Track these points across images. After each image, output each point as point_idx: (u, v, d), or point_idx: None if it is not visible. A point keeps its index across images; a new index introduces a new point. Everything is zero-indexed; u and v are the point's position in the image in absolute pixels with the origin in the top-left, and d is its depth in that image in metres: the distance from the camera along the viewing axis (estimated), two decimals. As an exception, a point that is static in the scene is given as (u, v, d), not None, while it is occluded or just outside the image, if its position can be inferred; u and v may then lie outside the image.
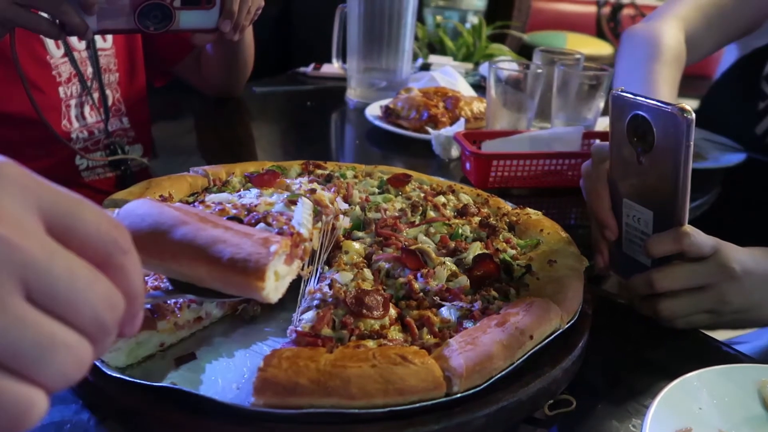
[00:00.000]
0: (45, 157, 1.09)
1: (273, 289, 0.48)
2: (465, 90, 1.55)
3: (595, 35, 4.06)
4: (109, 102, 1.17)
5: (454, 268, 0.65)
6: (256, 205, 0.58)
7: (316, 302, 0.58)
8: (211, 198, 0.58)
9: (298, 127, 1.51)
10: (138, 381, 0.50)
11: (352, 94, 1.58)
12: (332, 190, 0.69)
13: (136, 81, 1.26)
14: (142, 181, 0.78)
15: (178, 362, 0.55)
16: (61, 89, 1.09)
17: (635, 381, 0.63)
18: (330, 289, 0.59)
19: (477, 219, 0.77)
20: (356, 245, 0.68)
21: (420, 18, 2.58)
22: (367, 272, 0.64)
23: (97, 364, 0.51)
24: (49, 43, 1.07)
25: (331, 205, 0.60)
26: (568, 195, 1.09)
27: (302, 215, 0.57)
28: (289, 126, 1.54)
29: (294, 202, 0.59)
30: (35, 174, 0.30)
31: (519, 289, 0.63)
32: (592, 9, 4.20)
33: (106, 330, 0.31)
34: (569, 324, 0.59)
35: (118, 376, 0.50)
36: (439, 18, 3.43)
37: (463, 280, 0.62)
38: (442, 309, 0.59)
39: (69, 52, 1.08)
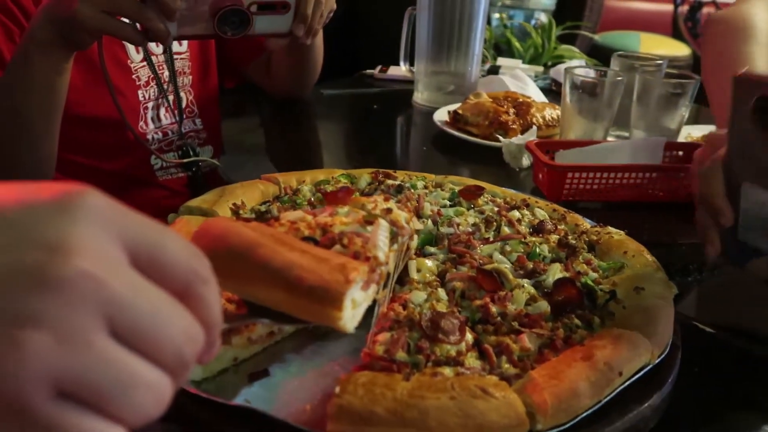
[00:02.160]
0: (123, 157, 1.12)
1: (350, 317, 0.46)
2: (536, 95, 1.50)
3: (671, 35, 3.87)
4: (183, 104, 1.20)
5: (532, 291, 0.62)
6: (331, 225, 0.56)
7: (389, 323, 0.56)
8: (286, 216, 0.57)
9: (364, 130, 1.50)
10: (214, 398, 0.50)
11: (419, 98, 1.56)
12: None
13: (208, 83, 1.28)
14: (215, 189, 0.79)
15: (251, 378, 0.55)
16: (140, 92, 1.12)
17: (731, 419, 0.58)
18: (404, 309, 0.58)
19: (555, 237, 0.73)
20: (429, 263, 0.67)
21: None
22: (441, 292, 0.62)
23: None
24: (130, 48, 1.10)
25: (407, 226, 0.58)
26: (644, 209, 1.03)
27: (379, 237, 0.55)
28: (355, 129, 1.54)
29: (370, 223, 0.57)
30: (119, 203, 0.30)
31: (604, 317, 0.59)
32: (668, 7, 4.00)
33: (186, 364, 0.30)
34: (660, 359, 0.55)
35: (196, 392, 0.50)
36: (504, 16, 3.36)
37: (543, 306, 0.59)
38: (522, 336, 0.56)
39: (148, 56, 1.11)
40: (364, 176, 0.87)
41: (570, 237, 0.74)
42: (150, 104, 1.15)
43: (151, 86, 1.14)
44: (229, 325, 0.53)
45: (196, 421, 0.50)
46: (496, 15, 3.42)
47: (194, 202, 0.74)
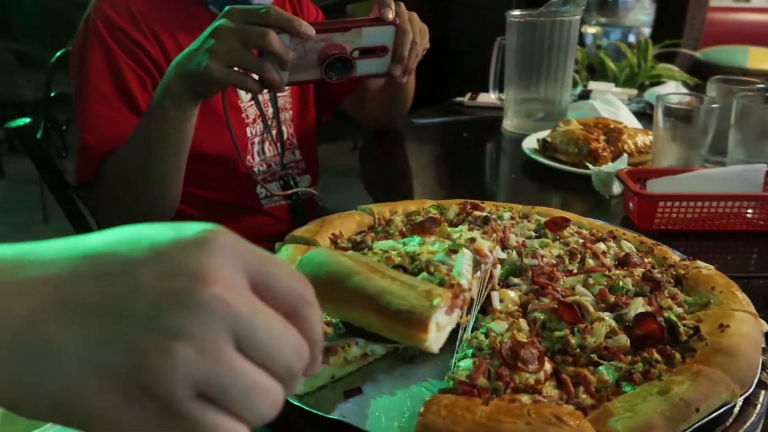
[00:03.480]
0: (233, 189, 1.24)
1: (435, 339, 0.51)
2: (628, 120, 1.48)
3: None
4: (285, 137, 1.31)
5: (613, 324, 0.64)
6: (419, 254, 0.62)
7: (472, 350, 0.61)
8: (378, 245, 0.63)
9: (454, 158, 1.55)
10: (314, 411, 0.56)
11: (509, 125, 1.59)
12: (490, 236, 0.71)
13: (307, 117, 1.39)
14: (316, 219, 0.87)
15: (346, 395, 0.61)
16: (248, 129, 1.24)
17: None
18: (486, 338, 0.62)
19: (640, 271, 0.74)
20: (512, 293, 0.70)
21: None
22: (523, 322, 0.65)
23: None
24: (241, 91, 1.22)
25: (490, 254, 0.63)
26: (741, 239, 1.00)
27: (462, 266, 0.60)
28: (445, 157, 1.59)
29: (455, 251, 0.63)
30: (242, 238, 0.36)
31: (685, 353, 0.60)
32: (780, 18, 3.75)
33: (295, 376, 0.36)
34: (742, 397, 0.56)
35: (298, 404, 0.57)
36: (599, 31, 3.28)
37: (623, 339, 0.61)
38: (600, 368, 0.59)
39: (255, 96, 1.23)
40: (453, 207, 0.92)
41: (656, 271, 0.75)
42: (256, 139, 1.26)
43: (258, 123, 1.26)
44: (328, 344, 0.60)
45: (298, 431, 0.57)
46: (592, 30, 3.35)
47: (298, 232, 0.83)
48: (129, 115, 1.08)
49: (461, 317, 0.60)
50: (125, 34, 1.08)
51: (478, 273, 0.63)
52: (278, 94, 1.28)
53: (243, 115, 1.23)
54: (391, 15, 0.94)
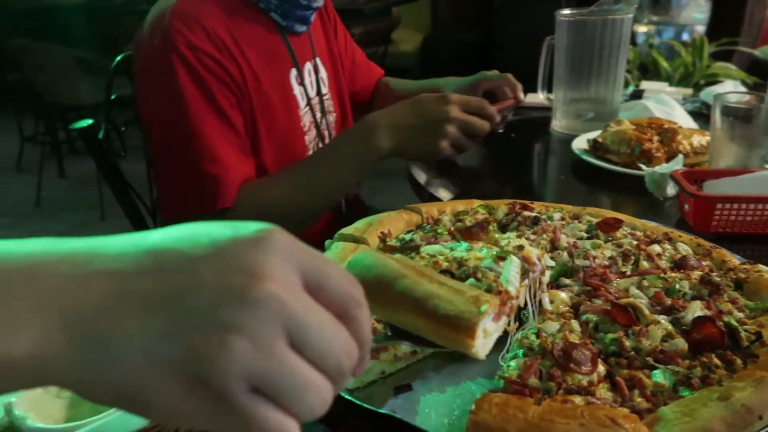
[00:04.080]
0: None
1: (481, 345, 0.51)
2: (683, 120, 1.44)
3: None
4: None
5: (669, 328, 0.62)
6: (466, 260, 0.61)
7: (522, 350, 0.60)
8: (426, 250, 0.63)
9: (502, 159, 1.54)
10: (365, 405, 0.57)
11: (557, 126, 1.57)
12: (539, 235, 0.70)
13: (346, 122, 1.41)
14: (365, 218, 0.88)
15: (396, 391, 0.62)
16: (306, 138, 1.26)
17: None
18: (537, 338, 0.61)
19: (697, 274, 0.72)
20: (562, 294, 0.69)
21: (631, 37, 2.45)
22: (575, 323, 0.65)
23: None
24: (299, 97, 1.24)
25: (538, 262, 0.62)
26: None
27: (510, 273, 0.59)
28: (493, 158, 1.57)
29: (503, 258, 0.62)
30: (295, 238, 0.37)
31: (746, 359, 0.58)
32: None
33: (344, 374, 0.37)
34: (808, 405, 0.54)
35: (349, 397, 0.58)
36: (652, 30, 3.19)
37: (680, 343, 0.60)
38: (656, 371, 0.57)
39: (309, 102, 1.25)
40: (502, 207, 0.92)
41: (714, 274, 0.73)
42: (311, 145, 1.28)
43: (311, 130, 1.27)
44: (376, 345, 0.60)
45: (348, 424, 0.58)
46: (643, 29, 3.26)
47: (347, 230, 0.84)
48: (236, 137, 1.10)
49: (508, 325, 0.59)
50: (208, 55, 1.07)
51: (526, 281, 0.62)
52: (323, 99, 1.31)
53: (301, 123, 1.25)
54: (521, 95, 1.28)
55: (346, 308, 0.37)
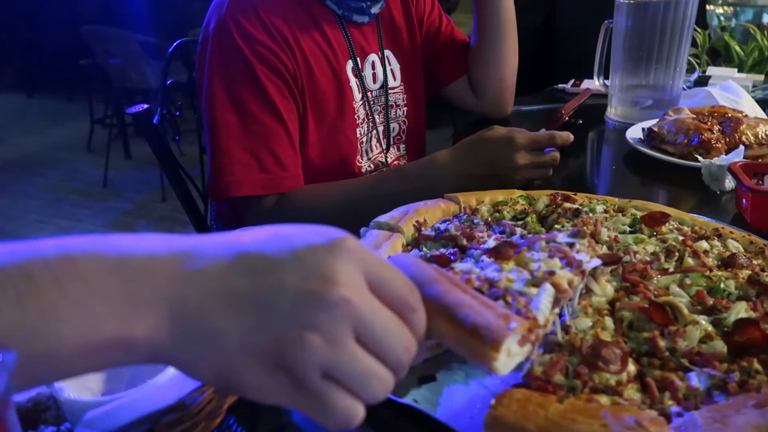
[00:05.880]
0: None
1: (503, 363, 0.48)
2: (750, 110, 1.36)
3: None
4: (394, 134, 1.33)
5: (709, 329, 0.59)
6: (497, 281, 0.58)
7: (549, 346, 0.59)
8: (458, 267, 0.61)
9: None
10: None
11: (612, 113, 1.51)
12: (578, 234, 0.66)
13: (419, 112, 1.40)
14: (402, 206, 0.87)
15: (420, 381, 0.61)
16: (357, 130, 1.26)
17: None
18: (566, 334, 0.60)
19: (746, 273, 0.68)
20: (609, 288, 0.67)
21: (700, 20, 2.31)
22: (608, 321, 0.63)
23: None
24: (355, 89, 1.23)
25: (570, 290, 0.59)
26: None
27: (542, 301, 0.56)
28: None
29: (535, 285, 0.57)
30: (362, 244, 0.43)
31: (791, 366, 0.55)
32: None
33: (403, 367, 0.43)
34: None
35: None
36: (727, 11, 3.00)
37: (719, 345, 0.57)
38: (690, 374, 0.55)
39: (365, 94, 1.25)
40: (543, 198, 0.89)
41: (765, 274, 0.69)
42: (364, 138, 1.28)
43: (366, 122, 1.27)
44: None
45: (371, 414, 0.59)
46: (719, 11, 3.07)
47: (383, 218, 0.84)
48: (280, 125, 1.12)
49: (532, 353, 0.55)
50: (262, 44, 1.09)
51: (557, 309, 0.58)
52: (391, 91, 1.31)
53: (355, 116, 1.25)
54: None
55: (403, 310, 0.43)
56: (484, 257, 0.62)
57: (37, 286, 0.36)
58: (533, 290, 0.55)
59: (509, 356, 0.48)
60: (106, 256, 0.39)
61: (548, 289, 0.56)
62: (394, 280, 0.43)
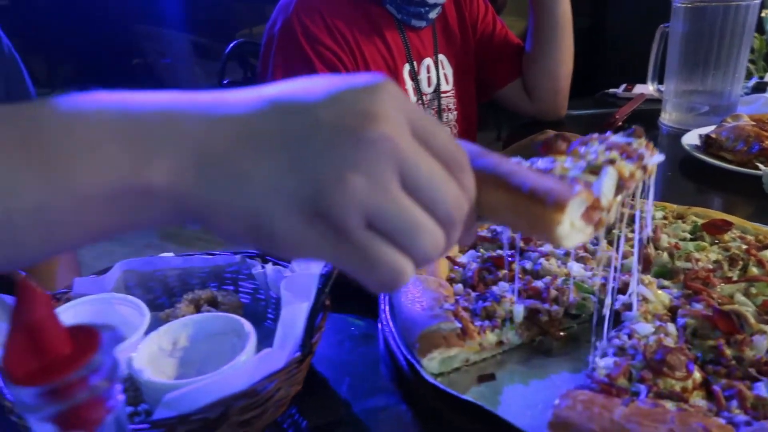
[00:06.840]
0: None
1: (566, 232, 0.42)
2: (813, 117, 1.31)
3: None
4: None
5: (777, 339, 0.58)
6: (551, 170, 0.49)
7: (613, 350, 0.59)
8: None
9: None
10: (447, 389, 0.58)
11: (667, 119, 1.48)
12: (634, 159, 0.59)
13: (470, 116, 1.41)
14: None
15: (479, 379, 0.62)
16: None
17: None
18: (629, 338, 0.60)
19: (814, 284, 0.67)
20: (662, 294, 0.67)
21: (757, 25, 2.24)
22: (671, 327, 0.62)
23: (417, 367, 0.61)
24: (411, 93, 1.25)
25: (633, 179, 0.54)
26: None
27: (604, 184, 0.48)
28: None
29: (594, 172, 0.49)
30: (407, 96, 0.38)
31: None
32: None
33: (454, 224, 0.37)
34: None
35: (432, 381, 0.60)
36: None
37: (788, 356, 0.56)
38: (758, 384, 0.54)
39: (420, 97, 1.27)
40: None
41: (835, 285, 0.67)
42: None
43: None
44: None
45: (429, 407, 0.60)
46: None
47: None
48: None
49: (595, 236, 0.47)
50: (324, 45, 1.12)
51: (620, 196, 0.50)
52: (443, 95, 1.32)
53: None
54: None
55: (451, 166, 0.37)
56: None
57: (42, 128, 0.33)
58: (592, 177, 0.47)
59: (572, 227, 0.42)
60: (122, 104, 0.36)
61: (611, 172, 0.48)
62: (441, 135, 0.37)
